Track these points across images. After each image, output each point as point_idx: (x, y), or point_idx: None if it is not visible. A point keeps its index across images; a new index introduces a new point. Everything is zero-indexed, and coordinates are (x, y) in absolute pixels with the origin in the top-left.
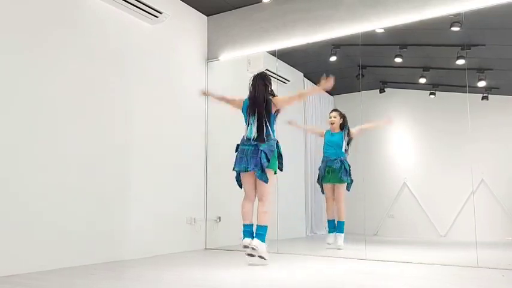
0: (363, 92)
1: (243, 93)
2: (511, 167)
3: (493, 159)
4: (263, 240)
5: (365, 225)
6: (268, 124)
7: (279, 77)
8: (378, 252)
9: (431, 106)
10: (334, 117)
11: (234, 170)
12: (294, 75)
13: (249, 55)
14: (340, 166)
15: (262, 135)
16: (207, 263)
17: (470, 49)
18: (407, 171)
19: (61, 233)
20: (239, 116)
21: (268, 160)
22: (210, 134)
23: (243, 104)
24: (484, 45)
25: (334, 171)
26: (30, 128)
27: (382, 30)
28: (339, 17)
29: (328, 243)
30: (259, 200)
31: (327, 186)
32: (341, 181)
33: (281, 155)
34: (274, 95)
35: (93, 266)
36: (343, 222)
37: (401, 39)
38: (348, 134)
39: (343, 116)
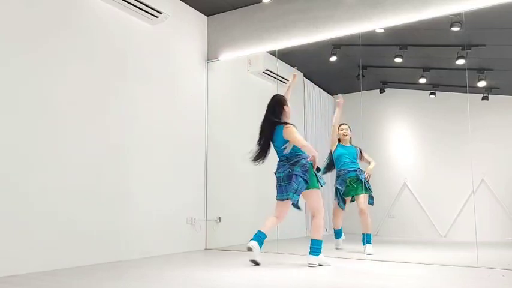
0: (363, 92)
1: (243, 93)
2: (511, 167)
3: (493, 159)
4: (317, 253)
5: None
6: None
7: (279, 77)
8: (378, 252)
9: (432, 106)
10: (347, 130)
11: (276, 199)
12: None
13: (249, 55)
14: (359, 178)
15: (288, 157)
16: (207, 263)
17: (470, 49)
18: (408, 171)
19: (61, 233)
20: (239, 116)
21: (307, 182)
22: (210, 134)
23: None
24: (484, 45)
25: (356, 182)
26: (31, 128)
27: (382, 30)
28: (339, 17)
29: (339, 249)
30: (311, 215)
31: (348, 199)
32: (366, 191)
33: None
34: (286, 123)
35: (93, 266)
36: (370, 234)
37: (402, 39)
38: (360, 154)
39: (351, 130)
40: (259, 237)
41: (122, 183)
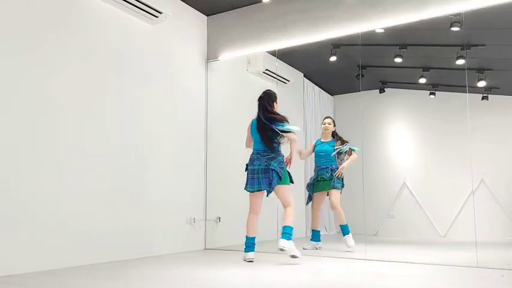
0: (362, 92)
1: (243, 93)
2: (511, 167)
3: (493, 159)
4: (289, 239)
5: (365, 225)
6: (275, 141)
7: (279, 77)
8: (378, 252)
9: (431, 106)
10: (329, 124)
11: (246, 190)
12: (294, 75)
13: (249, 55)
14: (331, 175)
15: (268, 152)
16: (207, 263)
17: (470, 49)
18: (407, 171)
19: (61, 233)
20: (239, 116)
21: (280, 178)
22: (210, 134)
23: (251, 127)
24: (484, 45)
25: (325, 180)
26: (31, 128)
27: (382, 30)
28: (338, 17)
29: (305, 248)
30: (284, 206)
31: (317, 195)
32: (334, 188)
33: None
34: (279, 115)
35: (93, 266)
36: (347, 225)
37: (401, 39)
38: (349, 151)
39: (335, 124)
40: (252, 244)
41: (121, 183)
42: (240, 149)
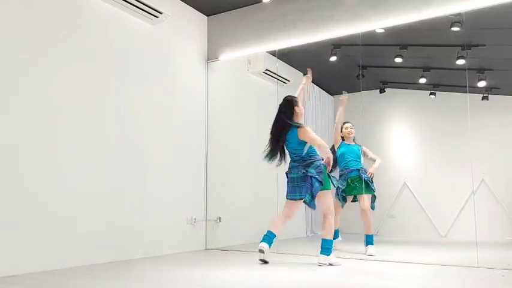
0: (363, 92)
1: (243, 93)
2: (511, 167)
3: (493, 159)
4: (328, 253)
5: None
6: (301, 145)
7: (279, 77)
8: (378, 252)
9: (432, 106)
10: (352, 128)
11: (287, 198)
12: (294, 75)
13: (249, 55)
14: (364, 177)
15: (302, 158)
16: (207, 263)
17: (470, 49)
18: (407, 171)
19: (61, 233)
20: (239, 116)
21: (321, 183)
22: (210, 134)
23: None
24: (484, 45)
25: (359, 181)
26: (31, 128)
27: (382, 30)
28: (339, 17)
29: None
30: (324, 215)
31: (350, 198)
32: (368, 191)
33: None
34: (298, 124)
35: (93, 266)
36: (373, 235)
37: (402, 39)
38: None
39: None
40: (269, 238)
41: (122, 183)
42: (240, 149)
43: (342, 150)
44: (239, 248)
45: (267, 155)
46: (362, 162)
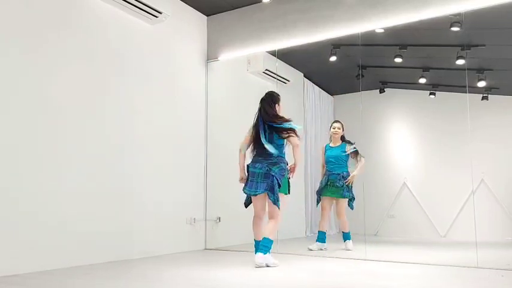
0: (362, 92)
1: (243, 93)
2: (511, 167)
3: (493, 159)
4: (266, 252)
5: (365, 225)
6: (276, 145)
7: (279, 77)
8: (378, 252)
9: (431, 106)
10: (338, 129)
11: (243, 191)
12: (294, 75)
13: (249, 55)
14: (343, 183)
15: (270, 156)
16: (207, 263)
17: (470, 49)
18: (407, 171)
19: (61, 233)
20: (239, 116)
21: (280, 186)
22: (210, 134)
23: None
24: (484, 45)
25: (335, 186)
26: (31, 128)
27: (382, 31)
28: (338, 17)
29: (311, 249)
30: (269, 218)
31: (326, 198)
32: (342, 196)
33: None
34: (282, 118)
35: (93, 266)
36: (349, 232)
37: (401, 39)
38: (354, 154)
39: (344, 128)
40: (259, 247)
41: (122, 183)
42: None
43: (327, 153)
44: (239, 248)
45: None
46: (348, 163)
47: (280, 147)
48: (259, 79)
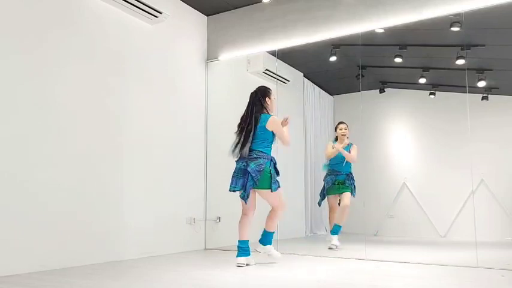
0: (362, 92)
1: (243, 93)
2: (511, 167)
3: (493, 159)
4: (265, 244)
5: (365, 225)
6: (257, 141)
7: (279, 77)
8: (377, 252)
9: (431, 106)
10: (345, 129)
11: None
12: (294, 75)
13: (249, 55)
14: (350, 182)
15: (252, 151)
16: (207, 263)
17: (470, 49)
18: (407, 171)
19: (61, 233)
20: (239, 116)
21: (255, 183)
22: (210, 133)
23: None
24: (484, 45)
25: (344, 185)
26: (30, 128)
27: (382, 30)
28: (338, 17)
29: (334, 246)
30: (272, 209)
31: (331, 197)
32: (348, 191)
33: (274, 174)
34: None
35: (93, 266)
36: (341, 226)
37: (401, 39)
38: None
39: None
40: (242, 248)
41: (122, 183)
42: None
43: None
44: None
45: (235, 149)
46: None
47: (264, 142)
48: (259, 79)
